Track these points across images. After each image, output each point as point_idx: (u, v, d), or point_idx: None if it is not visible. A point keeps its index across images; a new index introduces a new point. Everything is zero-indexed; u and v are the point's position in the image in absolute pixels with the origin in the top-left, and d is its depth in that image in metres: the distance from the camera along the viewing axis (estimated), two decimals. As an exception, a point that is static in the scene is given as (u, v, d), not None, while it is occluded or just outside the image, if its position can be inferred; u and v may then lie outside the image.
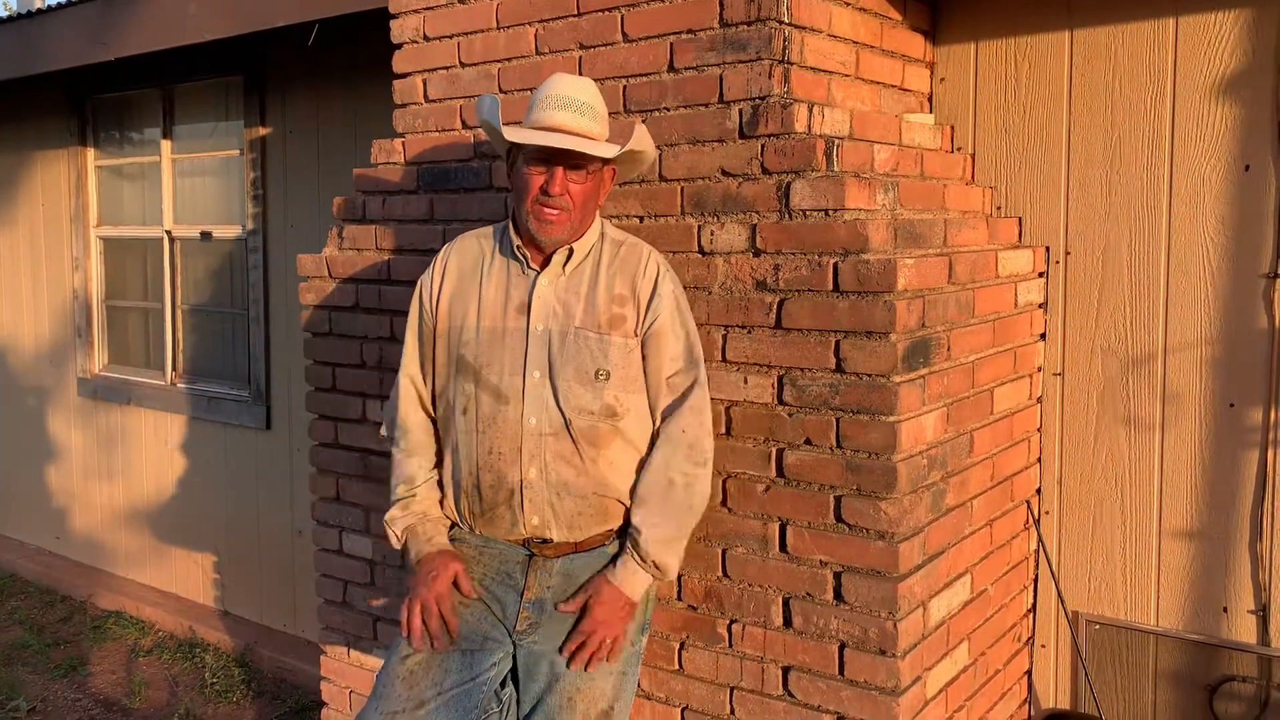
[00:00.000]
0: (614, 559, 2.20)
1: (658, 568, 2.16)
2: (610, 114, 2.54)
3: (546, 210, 2.12)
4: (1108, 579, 2.82)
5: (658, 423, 2.21)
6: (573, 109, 2.11)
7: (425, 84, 2.98)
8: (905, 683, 2.23)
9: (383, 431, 2.42)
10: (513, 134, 2.09)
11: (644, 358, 2.19)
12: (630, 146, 2.15)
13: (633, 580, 2.17)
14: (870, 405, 2.17)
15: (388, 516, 2.30)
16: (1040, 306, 2.85)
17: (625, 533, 2.26)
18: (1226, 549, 2.67)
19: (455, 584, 2.19)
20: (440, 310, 2.28)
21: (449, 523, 2.30)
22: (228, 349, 4.97)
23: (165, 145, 5.16)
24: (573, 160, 2.10)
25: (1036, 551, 2.90)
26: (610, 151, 2.12)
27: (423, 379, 2.33)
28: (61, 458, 5.92)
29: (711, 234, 2.38)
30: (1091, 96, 2.77)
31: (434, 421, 2.33)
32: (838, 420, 2.22)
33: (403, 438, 2.32)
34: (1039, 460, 2.89)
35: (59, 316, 5.84)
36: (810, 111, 2.33)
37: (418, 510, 2.27)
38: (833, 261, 2.21)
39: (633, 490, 2.21)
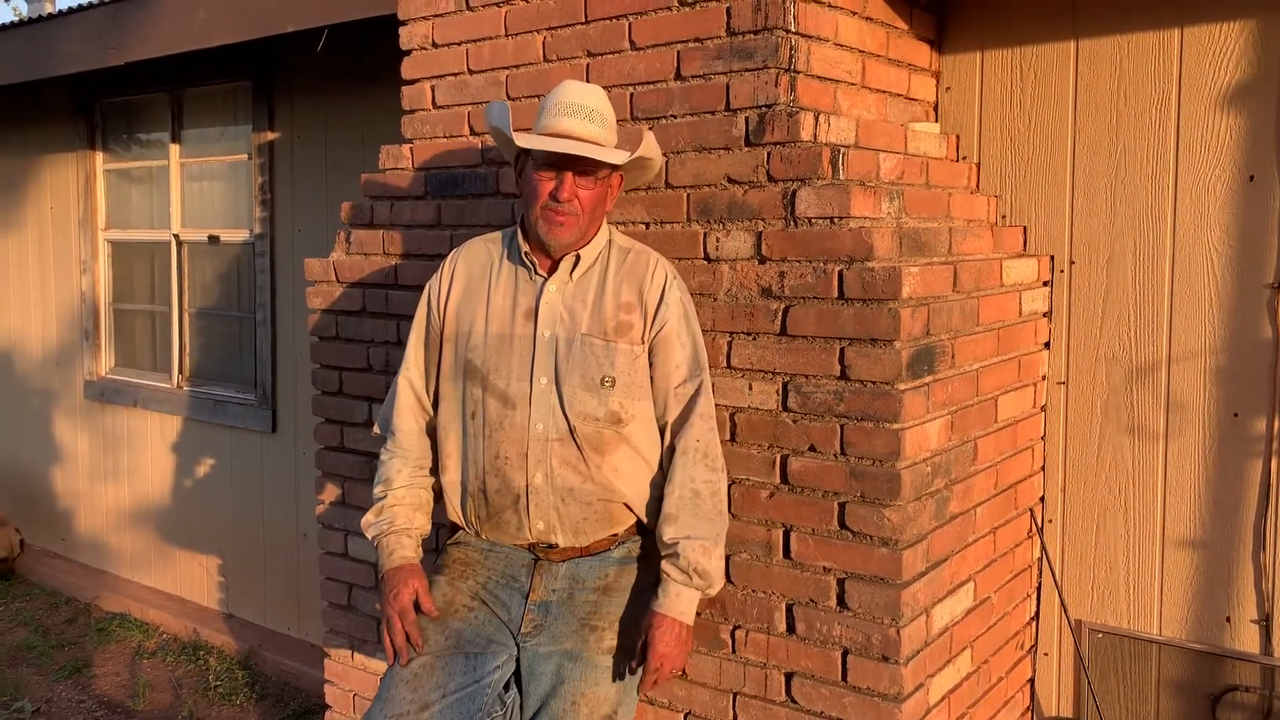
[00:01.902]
0: (654, 587, 2.18)
1: (700, 575, 2.13)
2: (618, 121, 2.56)
3: (556, 215, 2.13)
4: (1111, 588, 2.82)
5: (667, 432, 2.22)
6: (582, 115, 2.13)
7: (433, 90, 2.99)
8: (908, 689, 2.23)
9: (375, 429, 2.44)
10: (523, 139, 2.11)
11: (650, 365, 2.20)
12: (640, 153, 2.17)
13: (679, 601, 2.14)
14: (874, 412, 2.18)
15: (362, 521, 2.32)
16: (1045, 315, 2.85)
17: (632, 539, 2.27)
18: (1230, 558, 2.67)
19: (418, 605, 2.19)
20: (448, 315, 2.30)
21: (419, 531, 2.31)
22: (234, 352, 4.98)
23: (174, 149, 5.18)
24: (582, 166, 2.12)
25: (1040, 559, 2.91)
26: (620, 158, 2.14)
27: (423, 384, 2.34)
28: (67, 460, 5.93)
29: (717, 241, 2.39)
30: (1096, 106, 2.77)
31: (431, 429, 2.34)
32: (842, 427, 2.23)
33: (391, 439, 2.34)
34: (1042, 468, 2.89)
35: (66, 319, 5.87)
36: (816, 120, 2.34)
37: (387, 519, 2.28)
38: (838, 269, 2.22)
39: (648, 505, 2.22)
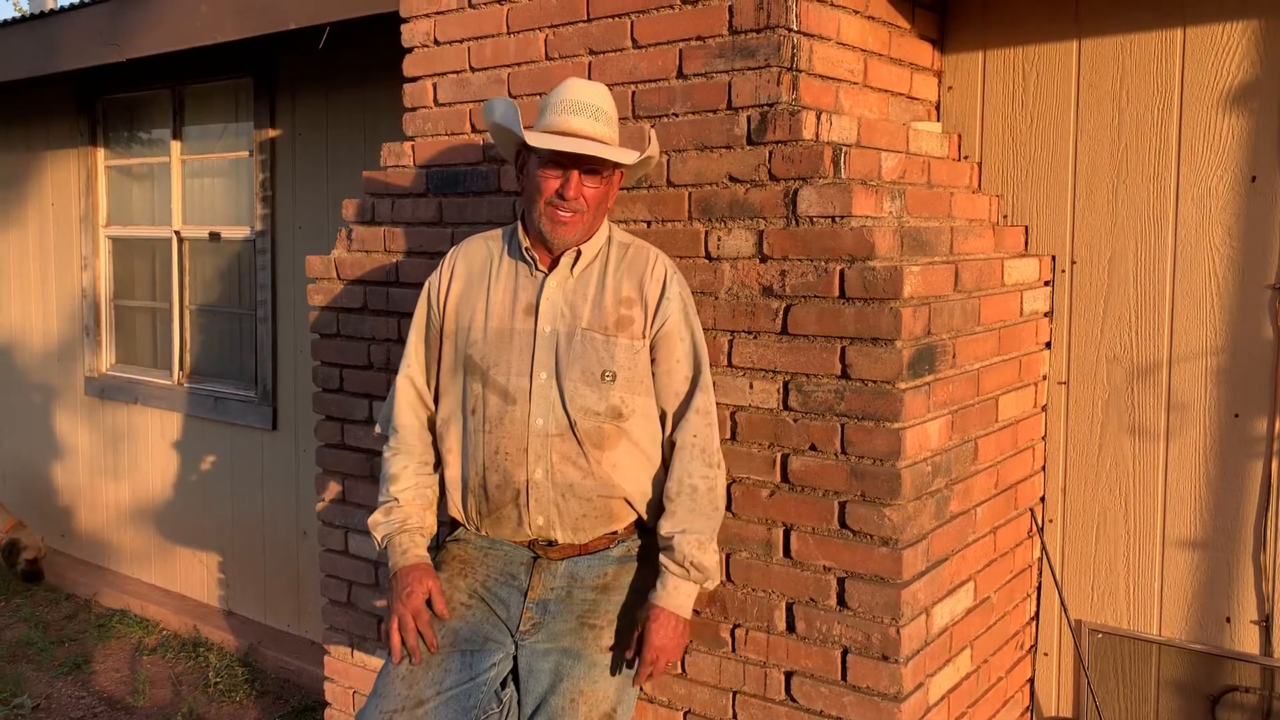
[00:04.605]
0: (654, 581, 2.19)
1: (698, 569, 2.15)
2: (619, 119, 2.56)
3: (561, 213, 2.13)
4: (1111, 588, 2.82)
5: (667, 427, 2.23)
6: (588, 114, 2.13)
7: (435, 88, 2.99)
8: (908, 689, 2.23)
9: (377, 429, 2.45)
10: (535, 139, 2.10)
11: (653, 361, 2.21)
12: (648, 154, 2.18)
13: (677, 595, 2.15)
14: (875, 411, 2.18)
15: (370, 520, 2.31)
16: (1046, 315, 2.85)
17: (631, 537, 2.28)
18: (1230, 559, 2.67)
19: (430, 603, 2.18)
20: (448, 311, 2.30)
21: (429, 530, 2.30)
22: (235, 349, 4.98)
23: (175, 146, 5.18)
24: (588, 164, 2.12)
25: (1040, 559, 2.91)
26: (630, 158, 2.14)
27: (425, 380, 2.34)
28: (68, 456, 5.94)
29: (719, 239, 2.39)
30: (1099, 106, 2.77)
31: (432, 425, 2.34)
32: (843, 426, 2.23)
33: (393, 436, 2.34)
34: (1043, 468, 2.89)
35: (67, 315, 5.87)
36: (818, 119, 2.34)
37: (398, 518, 2.27)
38: (839, 268, 2.21)
39: (648, 501, 2.23)
